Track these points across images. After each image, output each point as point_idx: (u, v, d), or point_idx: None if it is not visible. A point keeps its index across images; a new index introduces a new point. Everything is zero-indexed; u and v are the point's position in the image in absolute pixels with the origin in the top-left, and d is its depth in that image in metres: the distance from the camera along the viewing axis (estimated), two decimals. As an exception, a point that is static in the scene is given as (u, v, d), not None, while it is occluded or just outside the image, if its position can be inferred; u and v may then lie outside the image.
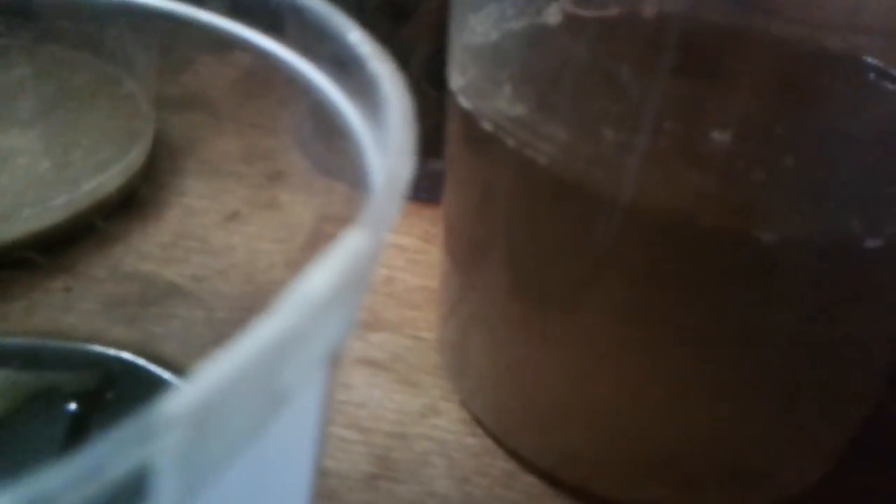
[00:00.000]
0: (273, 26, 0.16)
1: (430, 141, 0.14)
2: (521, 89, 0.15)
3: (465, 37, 0.17)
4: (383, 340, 0.20)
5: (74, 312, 0.18)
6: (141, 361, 0.16)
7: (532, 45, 0.17)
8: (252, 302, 0.19)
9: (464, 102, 0.17)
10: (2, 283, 0.18)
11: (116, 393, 0.15)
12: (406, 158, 0.09)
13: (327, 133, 0.17)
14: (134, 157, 0.22)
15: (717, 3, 0.16)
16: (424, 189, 0.23)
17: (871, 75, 0.16)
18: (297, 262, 0.20)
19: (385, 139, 0.10)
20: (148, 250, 0.20)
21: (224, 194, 0.23)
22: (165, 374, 0.16)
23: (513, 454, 0.18)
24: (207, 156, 0.25)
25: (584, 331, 0.16)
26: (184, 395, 0.06)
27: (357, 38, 0.12)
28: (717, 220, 0.13)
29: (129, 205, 0.22)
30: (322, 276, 0.07)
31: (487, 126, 0.16)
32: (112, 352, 0.16)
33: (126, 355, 0.16)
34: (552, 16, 0.16)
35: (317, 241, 0.21)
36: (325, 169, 0.24)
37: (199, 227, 0.21)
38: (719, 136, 0.13)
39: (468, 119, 0.17)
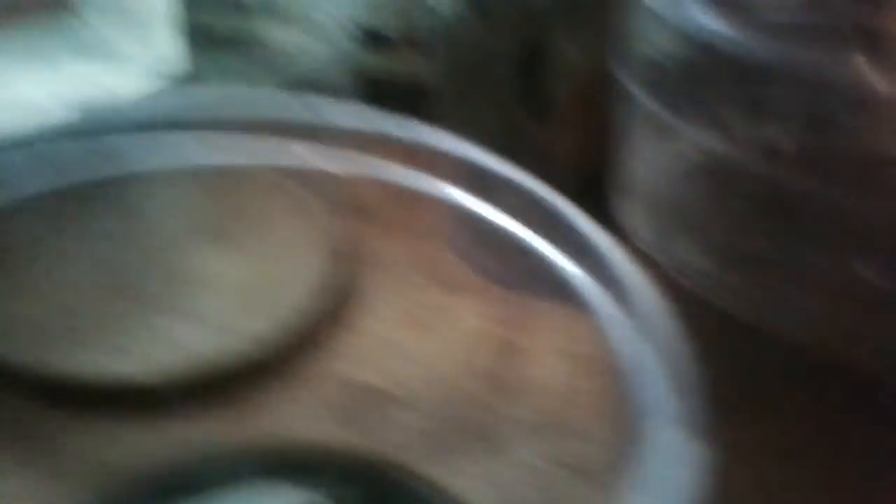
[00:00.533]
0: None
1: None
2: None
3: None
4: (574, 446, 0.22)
5: (304, 418, 0.21)
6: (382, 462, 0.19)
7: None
8: (456, 410, 0.22)
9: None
10: (237, 389, 0.22)
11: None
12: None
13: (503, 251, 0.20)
14: (327, 272, 0.25)
15: None
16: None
17: None
18: (488, 369, 0.23)
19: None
20: (351, 356, 0.24)
21: (404, 301, 0.26)
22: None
23: None
24: (382, 264, 0.28)
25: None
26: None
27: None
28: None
29: (326, 312, 0.25)
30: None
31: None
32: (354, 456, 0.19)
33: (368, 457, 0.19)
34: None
35: (498, 347, 0.24)
36: (495, 278, 0.27)
37: (390, 334, 0.24)
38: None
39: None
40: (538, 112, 0.26)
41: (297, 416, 0.21)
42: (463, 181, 0.20)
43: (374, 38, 0.25)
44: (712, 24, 0.17)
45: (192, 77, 0.37)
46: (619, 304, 0.16)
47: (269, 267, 0.24)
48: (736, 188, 0.19)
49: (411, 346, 0.24)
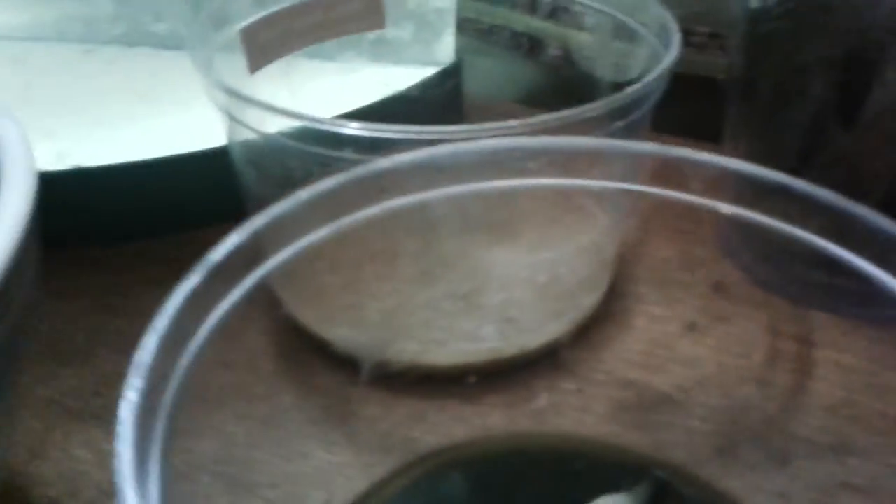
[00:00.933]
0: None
1: None
2: None
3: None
4: (857, 465, 0.22)
5: (590, 414, 0.23)
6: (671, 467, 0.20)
7: None
8: (734, 415, 0.22)
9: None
10: (526, 384, 0.24)
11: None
12: None
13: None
14: (603, 272, 0.26)
15: None
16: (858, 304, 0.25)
17: None
18: (765, 378, 0.23)
19: None
20: (629, 357, 0.25)
21: (677, 304, 0.26)
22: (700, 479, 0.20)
23: None
24: (650, 263, 0.29)
25: None
26: None
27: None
28: None
29: (605, 315, 0.26)
30: None
31: None
32: (643, 457, 0.21)
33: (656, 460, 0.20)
34: None
35: (775, 357, 0.24)
36: (762, 282, 0.27)
37: (665, 336, 0.25)
38: None
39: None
40: (850, 123, 0.25)
41: (583, 412, 0.23)
42: (743, 192, 0.21)
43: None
44: None
45: (457, 66, 0.40)
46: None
47: (558, 269, 0.26)
48: None
49: (688, 351, 0.24)
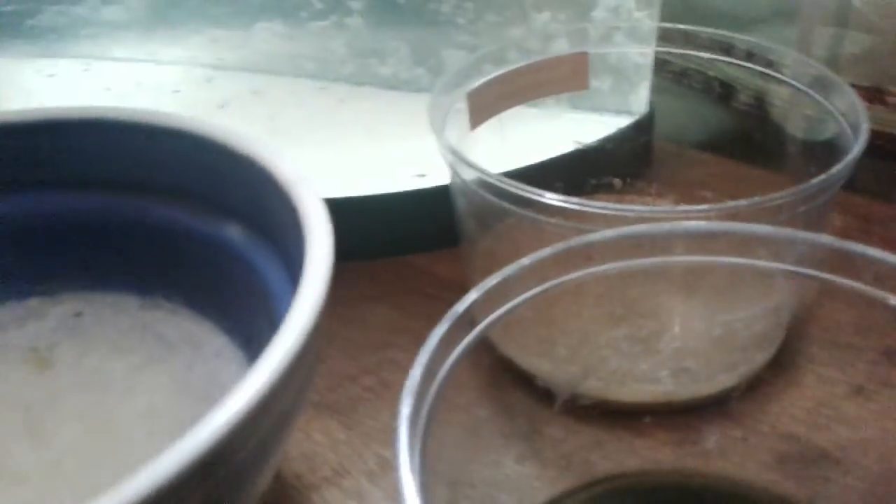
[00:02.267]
0: None
1: None
2: None
3: None
4: None
5: (752, 461, 0.26)
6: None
7: None
8: (889, 479, 0.24)
9: None
10: (695, 427, 0.27)
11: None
12: None
13: None
14: (777, 331, 0.29)
15: None
16: None
17: None
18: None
19: None
20: (795, 413, 0.27)
21: (847, 367, 0.28)
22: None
23: None
24: (824, 324, 0.30)
25: None
26: None
27: None
28: None
29: (776, 369, 0.29)
30: None
31: None
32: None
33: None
34: None
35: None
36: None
37: (832, 397, 0.27)
38: None
39: None
40: None
41: (746, 459, 0.26)
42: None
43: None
44: None
45: (650, 116, 0.43)
46: None
47: (734, 325, 0.29)
48: None
49: (853, 413, 0.26)
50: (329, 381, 0.31)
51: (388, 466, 0.28)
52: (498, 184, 0.26)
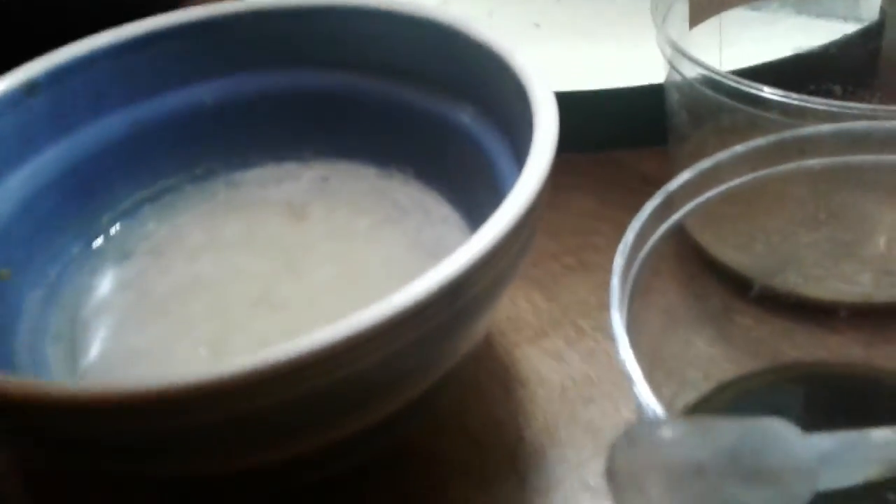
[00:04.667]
0: None
1: None
2: None
3: None
4: None
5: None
6: None
7: None
8: None
9: None
10: (890, 330, 0.27)
11: None
12: None
13: None
14: None
15: None
16: None
17: None
18: None
19: None
20: None
21: None
22: None
23: None
24: None
25: None
26: None
27: None
28: None
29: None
30: None
31: None
32: None
33: None
34: None
35: None
36: None
37: None
38: None
39: None
40: None
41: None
42: None
43: None
44: None
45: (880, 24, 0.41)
46: None
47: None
48: None
49: None
50: (534, 258, 0.34)
51: (584, 333, 0.31)
52: (716, 77, 0.27)
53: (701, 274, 0.31)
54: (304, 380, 0.18)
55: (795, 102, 0.25)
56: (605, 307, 0.27)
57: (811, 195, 0.29)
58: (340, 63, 0.33)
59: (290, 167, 0.34)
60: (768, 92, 0.26)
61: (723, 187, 0.24)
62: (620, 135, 0.40)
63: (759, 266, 0.30)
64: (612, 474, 0.15)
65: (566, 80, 0.39)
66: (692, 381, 0.27)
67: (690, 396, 0.27)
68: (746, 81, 0.26)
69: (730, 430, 0.15)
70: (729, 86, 0.27)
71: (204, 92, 0.33)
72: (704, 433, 0.15)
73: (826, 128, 0.22)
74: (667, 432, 0.15)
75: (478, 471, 0.27)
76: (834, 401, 0.26)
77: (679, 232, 0.32)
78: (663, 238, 0.24)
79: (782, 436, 0.15)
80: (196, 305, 0.29)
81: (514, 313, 0.32)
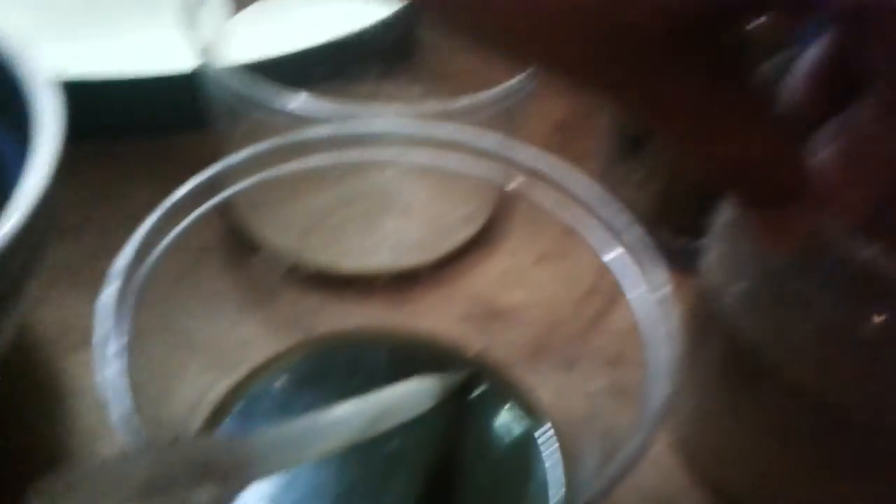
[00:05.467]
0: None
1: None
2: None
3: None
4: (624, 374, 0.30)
5: (446, 320, 0.31)
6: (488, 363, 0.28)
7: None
8: (550, 329, 0.30)
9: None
10: (408, 291, 0.31)
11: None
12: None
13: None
14: (482, 209, 0.34)
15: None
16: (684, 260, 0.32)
17: None
18: (586, 306, 0.31)
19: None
20: (491, 278, 0.32)
21: (536, 237, 0.34)
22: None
23: (698, 473, 0.28)
24: (521, 206, 0.35)
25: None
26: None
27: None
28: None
29: (482, 241, 0.34)
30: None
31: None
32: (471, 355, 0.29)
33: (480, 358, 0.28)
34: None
35: (594, 291, 0.31)
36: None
37: (525, 265, 0.32)
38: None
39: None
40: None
41: (442, 318, 0.31)
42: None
43: None
44: None
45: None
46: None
47: (452, 205, 0.33)
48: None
49: (536, 277, 0.32)
50: (82, 257, 0.33)
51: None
52: (229, 79, 0.29)
53: (241, 257, 0.33)
54: None
55: (296, 109, 0.27)
56: (164, 303, 0.28)
57: (339, 179, 0.32)
58: None
59: None
60: (269, 96, 0.28)
61: (262, 175, 0.26)
62: (177, 119, 0.40)
63: (298, 246, 0.32)
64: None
65: (107, 66, 0.38)
66: (233, 364, 0.29)
67: (230, 381, 0.28)
68: (255, 86, 0.28)
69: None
70: (242, 89, 0.28)
71: None
72: (151, 455, 0.16)
73: (322, 130, 0.26)
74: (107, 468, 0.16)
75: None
76: (353, 366, 0.29)
77: (224, 217, 0.33)
78: (198, 227, 0.25)
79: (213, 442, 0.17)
80: None
81: (59, 317, 0.31)
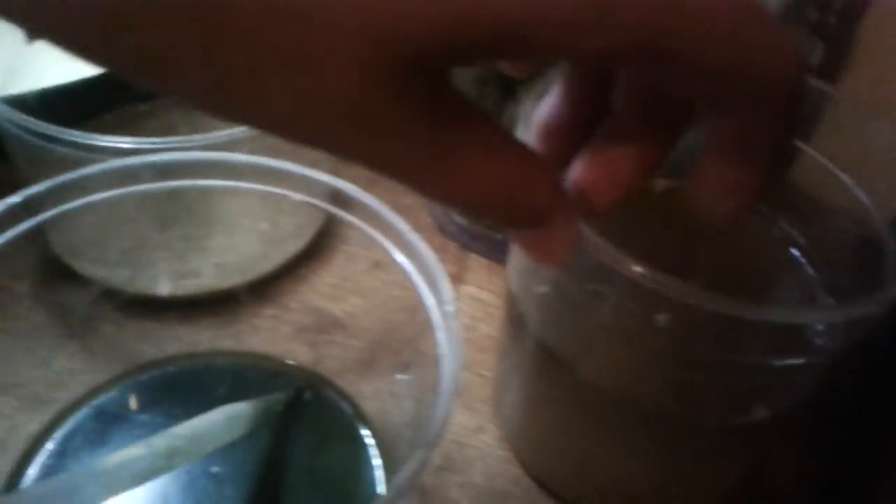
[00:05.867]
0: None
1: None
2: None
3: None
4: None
5: (278, 335, 0.30)
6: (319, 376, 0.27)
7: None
8: (383, 335, 0.29)
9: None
10: (234, 311, 0.30)
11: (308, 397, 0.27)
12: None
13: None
14: (313, 221, 0.33)
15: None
16: (504, 252, 0.32)
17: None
18: (415, 306, 0.31)
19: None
20: (321, 289, 0.31)
21: (374, 245, 0.33)
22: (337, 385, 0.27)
23: (522, 465, 0.28)
24: (363, 213, 0.35)
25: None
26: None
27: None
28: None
29: (312, 253, 0.33)
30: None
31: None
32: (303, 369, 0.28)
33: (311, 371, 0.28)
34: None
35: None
36: (441, 229, 0.34)
37: (358, 275, 0.32)
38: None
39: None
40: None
41: (273, 333, 0.30)
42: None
43: None
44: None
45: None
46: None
47: (278, 220, 0.32)
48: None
49: (368, 286, 0.31)
50: None
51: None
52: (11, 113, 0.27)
53: (65, 291, 0.31)
54: None
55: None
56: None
57: (156, 206, 0.30)
58: None
59: None
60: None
61: (70, 204, 0.25)
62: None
63: (117, 274, 0.30)
64: None
65: None
66: (45, 402, 0.27)
67: (43, 419, 0.27)
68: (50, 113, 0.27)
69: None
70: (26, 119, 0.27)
71: None
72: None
73: (98, 167, 0.25)
74: None
75: None
76: (174, 392, 0.28)
77: (35, 247, 0.31)
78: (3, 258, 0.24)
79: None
80: None
81: None
